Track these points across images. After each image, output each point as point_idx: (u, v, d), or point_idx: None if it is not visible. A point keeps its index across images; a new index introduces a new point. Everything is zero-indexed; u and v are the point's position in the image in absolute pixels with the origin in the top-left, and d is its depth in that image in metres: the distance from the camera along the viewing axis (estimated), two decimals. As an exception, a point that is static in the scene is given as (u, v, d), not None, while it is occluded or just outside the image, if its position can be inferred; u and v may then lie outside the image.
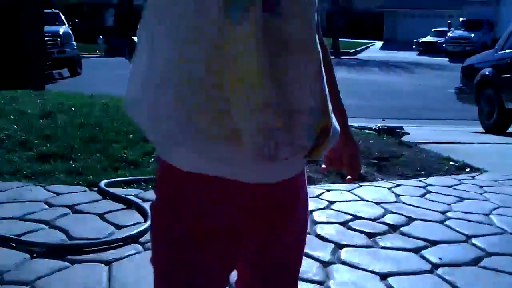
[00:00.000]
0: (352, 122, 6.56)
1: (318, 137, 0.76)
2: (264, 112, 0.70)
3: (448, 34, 29.30)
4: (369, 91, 14.41)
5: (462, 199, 3.34)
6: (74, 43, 17.92)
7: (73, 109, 4.60)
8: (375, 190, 3.42)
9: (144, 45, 0.78)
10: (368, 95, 13.57)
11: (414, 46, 31.91)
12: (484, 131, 7.79)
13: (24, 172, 3.18)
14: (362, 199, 3.18)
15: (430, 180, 3.82)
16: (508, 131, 7.56)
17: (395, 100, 13.31)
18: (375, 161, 4.39)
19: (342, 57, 26.98)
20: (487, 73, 7.67)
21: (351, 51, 30.32)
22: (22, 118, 4.15)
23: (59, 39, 16.74)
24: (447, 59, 27.59)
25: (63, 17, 18.68)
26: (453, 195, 3.40)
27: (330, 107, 0.79)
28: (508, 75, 7.09)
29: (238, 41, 0.68)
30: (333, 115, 0.80)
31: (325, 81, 0.78)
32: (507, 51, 7.40)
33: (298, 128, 0.73)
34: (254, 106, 0.69)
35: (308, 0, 0.76)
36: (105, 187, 2.96)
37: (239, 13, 0.67)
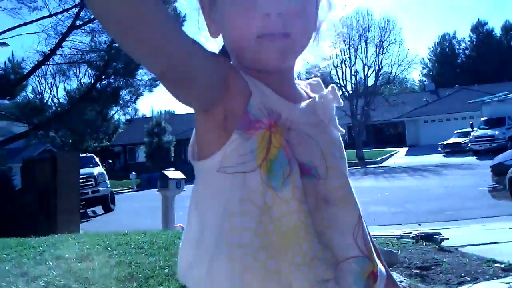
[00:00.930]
0: (387, 229, 6.49)
1: (366, 283, 0.79)
2: (313, 266, 0.73)
3: (472, 134, 29.47)
4: (401, 197, 14.24)
5: (514, 304, 3.17)
6: (108, 182, 18.70)
7: (109, 249, 4.69)
8: (421, 303, 3.28)
9: (193, 215, 0.82)
10: (400, 201, 13.38)
11: (439, 149, 32.02)
12: (524, 225, 7.53)
13: (64, 319, 3.19)
14: (408, 315, 3.05)
15: (477, 286, 3.65)
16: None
17: (429, 203, 13.08)
18: (417, 271, 4.26)
19: (368, 166, 27.14)
20: (517, 168, 7.64)
21: (377, 160, 30.54)
22: (60, 263, 4.23)
23: (93, 180, 17.53)
24: (475, 157, 27.47)
25: (97, 159, 19.70)
26: (504, 301, 3.23)
27: (374, 253, 0.83)
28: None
29: (282, 205, 0.74)
30: (378, 260, 0.84)
31: (366, 228, 0.84)
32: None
33: (347, 277, 0.76)
34: (302, 261, 0.73)
35: (341, 157, 0.84)
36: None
37: (280, 181, 0.74)
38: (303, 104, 0.84)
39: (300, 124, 0.80)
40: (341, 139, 0.88)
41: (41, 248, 4.83)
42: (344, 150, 0.88)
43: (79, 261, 4.33)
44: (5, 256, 4.71)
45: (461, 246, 5.41)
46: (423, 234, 5.79)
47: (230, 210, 0.75)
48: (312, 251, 0.74)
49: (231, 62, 0.84)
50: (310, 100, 0.85)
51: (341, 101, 0.88)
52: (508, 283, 3.69)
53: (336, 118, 0.88)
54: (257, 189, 0.74)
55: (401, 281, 3.64)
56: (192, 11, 0.89)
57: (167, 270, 4.05)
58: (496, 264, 4.33)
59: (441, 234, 5.55)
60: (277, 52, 0.78)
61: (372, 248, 0.83)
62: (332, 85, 0.89)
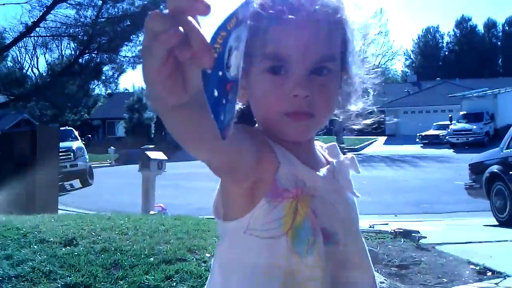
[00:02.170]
0: (365, 219, 6.62)
1: None
2: None
3: (451, 127, 30.00)
4: (378, 187, 14.48)
5: (489, 310, 3.30)
6: (87, 156, 18.60)
7: (93, 233, 4.69)
8: (401, 306, 3.39)
9: (216, 270, 0.88)
10: (378, 191, 13.62)
11: (417, 140, 32.50)
12: (498, 223, 7.80)
13: (50, 306, 3.21)
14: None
15: (454, 290, 3.79)
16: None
17: (405, 195, 13.36)
18: (396, 269, 4.38)
19: (347, 153, 27.35)
20: (495, 170, 7.84)
21: (356, 147, 30.88)
22: (45, 247, 4.23)
23: (72, 154, 17.39)
24: (452, 150, 28.00)
25: (76, 133, 19.49)
26: (479, 306, 3.37)
27: None
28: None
29: (305, 270, 0.80)
30: None
31: None
32: (512, 150, 7.68)
33: None
34: None
35: (358, 227, 0.91)
36: (131, 320, 2.97)
37: (304, 248, 0.80)
38: (323, 170, 0.89)
39: (322, 191, 0.86)
40: (356, 204, 0.94)
41: (24, 230, 4.80)
42: (357, 213, 0.94)
43: (64, 245, 4.33)
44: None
45: (438, 244, 5.56)
46: (401, 230, 5.93)
47: (258, 274, 0.80)
48: None
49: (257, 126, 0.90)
50: (329, 166, 0.91)
51: (360, 169, 0.94)
52: (483, 288, 3.84)
53: (353, 183, 0.93)
54: (283, 254, 0.79)
55: (382, 282, 3.75)
56: None
57: (152, 259, 4.08)
58: (471, 266, 4.48)
59: (419, 233, 5.69)
60: (300, 129, 0.85)
61: None
62: (351, 155, 0.95)
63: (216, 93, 0.52)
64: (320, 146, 0.98)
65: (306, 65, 0.81)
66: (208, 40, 0.51)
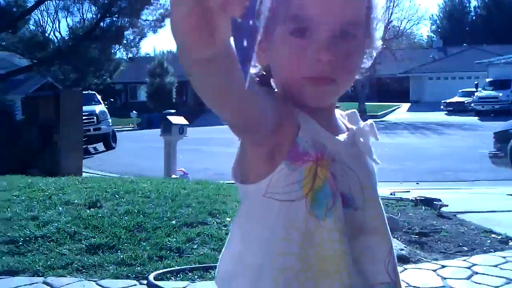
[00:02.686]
0: (386, 186, 6.57)
1: None
2: None
3: (476, 94, 29.36)
4: (400, 154, 14.36)
5: (509, 280, 3.28)
6: (110, 120, 18.81)
7: (116, 196, 4.78)
8: (421, 274, 3.39)
9: (236, 232, 0.89)
10: (400, 158, 13.50)
11: (442, 107, 31.95)
12: (522, 193, 7.68)
13: (75, 266, 3.30)
14: (409, 285, 3.16)
15: (474, 259, 3.76)
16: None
17: (427, 162, 13.22)
18: (416, 237, 4.37)
19: (369, 120, 27.14)
20: (521, 138, 7.69)
21: (378, 114, 30.53)
22: (70, 209, 4.33)
23: (95, 118, 17.61)
24: (477, 117, 27.48)
25: (99, 97, 19.67)
26: (500, 276, 3.35)
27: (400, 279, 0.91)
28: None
29: (323, 232, 0.79)
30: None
31: (395, 257, 0.89)
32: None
33: None
34: (340, 286, 0.80)
35: (377, 193, 0.90)
36: (153, 281, 3.04)
37: (323, 211, 0.79)
38: (344, 135, 0.89)
39: (343, 156, 0.85)
40: (375, 170, 0.93)
41: (49, 192, 4.92)
42: (376, 180, 0.93)
43: (88, 207, 4.42)
44: (14, 197, 4.81)
45: (459, 212, 5.51)
46: (422, 198, 5.89)
47: (276, 236, 0.80)
48: (349, 278, 0.80)
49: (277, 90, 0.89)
50: (349, 131, 0.90)
51: (379, 136, 0.92)
52: (504, 257, 3.80)
53: (373, 150, 0.92)
54: (302, 216, 0.79)
55: (401, 249, 3.75)
56: None
57: (173, 221, 4.15)
58: (493, 235, 4.44)
59: (440, 201, 5.64)
60: (321, 94, 0.83)
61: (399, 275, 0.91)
62: (371, 121, 0.94)
63: (245, 43, 0.50)
64: (340, 114, 0.97)
65: (331, 29, 0.80)
66: None
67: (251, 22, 0.50)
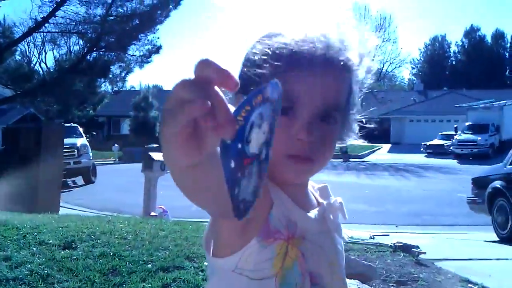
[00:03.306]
0: (366, 228, 6.58)
1: None
2: None
3: (455, 137, 29.94)
4: (380, 196, 14.47)
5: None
6: (90, 154, 18.66)
7: (92, 236, 4.70)
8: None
9: None
10: (380, 201, 13.61)
11: (422, 149, 32.43)
12: (499, 240, 7.77)
13: (46, 312, 3.22)
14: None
15: (451, 310, 3.77)
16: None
17: (407, 205, 13.32)
18: (394, 285, 4.36)
19: (351, 159, 27.42)
20: (498, 185, 7.82)
21: (360, 154, 30.81)
22: (44, 250, 4.24)
23: (76, 151, 17.45)
24: (456, 160, 27.91)
25: (81, 130, 19.56)
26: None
27: None
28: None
29: None
30: None
31: None
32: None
33: None
34: None
35: (343, 272, 0.92)
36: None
37: None
38: (315, 211, 0.90)
39: (313, 234, 0.87)
40: (343, 246, 0.95)
41: (23, 231, 4.82)
42: (344, 258, 0.95)
43: (63, 248, 4.34)
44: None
45: (437, 260, 5.54)
46: (401, 244, 5.90)
47: None
48: None
49: None
50: (319, 207, 0.92)
51: (347, 216, 0.94)
52: (480, 309, 3.82)
53: (341, 226, 0.94)
54: None
55: (379, 299, 3.74)
56: None
57: (150, 265, 4.09)
58: (469, 285, 4.46)
59: (418, 247, 5.66)
60: (297, 172, 0.86)
61: None
62: (340, 199, 0.95)
63: (232, 164, 0.52)
64: (312, 186, 0.98)
65: (314, 111, 0.83)
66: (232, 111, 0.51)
67: (239, 145, 0.52)
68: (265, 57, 0.83)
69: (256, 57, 0.84)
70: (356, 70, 0.89)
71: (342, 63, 0.85)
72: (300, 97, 0.82)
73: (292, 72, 0.81)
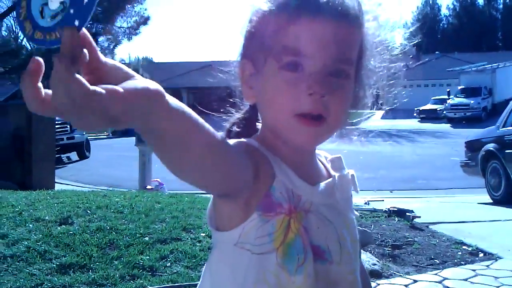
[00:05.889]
0: (361, 195, 6.59)
1: None
2: None
3: (448, 101, 30.00)
4: (375, 163, 14.54)
5: (479, 293, 3.35)
6: (83, 129, 18.52)
7: (88, 211, 4.70)
8: (393, 288, 3.43)
9: (207, 276, 0.87)
10: (374, 167, 13.68)
11: (415, 114, 32.49)
12: (492, 202, 7.87)
13: (46, 286, 3.23)
14: (381, 301, 3.20)
15: (445, 272, 3.83)
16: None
17: (401, 170, 13.43)
18: (389, 250, 4.42)
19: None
20: (491, 148, 7.87)
21: (353, 121, 30.81)
22: (40, 226, 4.24)
23: (68, 126, 17.32)
24: (449, 124, 28.04)
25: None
26: (470, 290, 3.41)
27: None
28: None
29: (294, 287, 0.78)
30: None
31: None
32: (509, 128, 7.66)
33: None
34: None
35: (353, 240, 0.88)
36: (125, 302, 3.00)
37: (294, 266, 0.77)
38: (322, 184, 0.86)
39: (319, 206, 0.83)
40: (355, 222, 0.91)
41: (19, 208, 4.81)
42: (356, 233, 0.90)
43: (59, 224, 4.34)
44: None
45: (431, 223, 5.60)
46: (395, 209, 5.97)
47: (247, 286, 0.79)
48: None
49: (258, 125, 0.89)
50: (329, 180, 0.88)
51: (358, 189, 0.92)
52: (474, 270, 3.87)
53: (352, 200, 0.91)
54: (272, 269, 0.78)
55: (374, 264, 3.79)
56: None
57: (147, 238, 4.11)
58: (464, 247, 4.53)
59: (413, 212, 5.72)
60: (310, 136, 0.80)
61: None
62: (352, 171, 0.92)
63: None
64: (325, 157, 0.94)
65: (325, 64, 0.78)
66: None
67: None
68: (271, 5, 0.79)
69: (263, 7, 0.80)
70: (368, 29, 0.84)
71: (354, 13, 0.80)
72: (311, 49, 0.77)
73: (300, 23, 0.77)
